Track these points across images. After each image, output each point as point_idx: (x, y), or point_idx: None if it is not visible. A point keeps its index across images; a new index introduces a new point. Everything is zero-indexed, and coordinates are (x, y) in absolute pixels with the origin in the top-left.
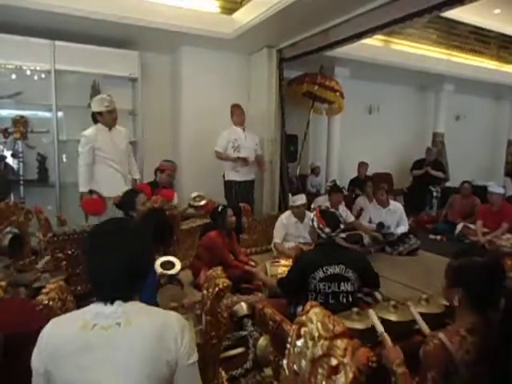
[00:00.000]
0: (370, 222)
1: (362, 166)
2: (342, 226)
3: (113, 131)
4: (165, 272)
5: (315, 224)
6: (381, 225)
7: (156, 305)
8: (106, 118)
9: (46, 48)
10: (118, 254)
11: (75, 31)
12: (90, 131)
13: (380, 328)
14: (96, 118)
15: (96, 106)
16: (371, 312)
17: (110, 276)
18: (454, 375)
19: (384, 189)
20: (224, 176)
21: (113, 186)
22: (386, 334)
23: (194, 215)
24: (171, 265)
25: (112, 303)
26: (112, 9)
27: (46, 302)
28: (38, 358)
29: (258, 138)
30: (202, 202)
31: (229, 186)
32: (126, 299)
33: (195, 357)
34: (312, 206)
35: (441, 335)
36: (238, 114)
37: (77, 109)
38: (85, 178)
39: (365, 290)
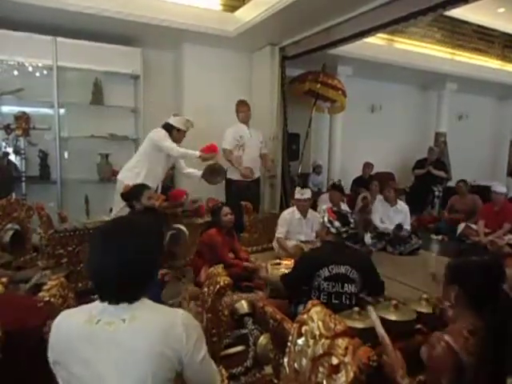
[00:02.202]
0: (381, 220)
1: (367, 166)
2: (351, 226)
3: None
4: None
5: (325, 219)
6: (399, 226)
7: (160, 302)
8: (180, 137)
9: (48, 44)
10: (122, 255)
11: (77, 28)
12: (167, 134)
13: (380, 330)
14: (169, 129)
15: (180, 124)
16: (371, 310)
17: (116, 278)
18: (460, 376)
19: (392, 186)
20: (226, 174)
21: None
22: (387, 338)
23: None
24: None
25: (117, 304)
26: (114, 5)
27: (47, 298)
28: (49, 350)
29: (262, 135)
30: (196, 205)
31: (230, 184)
32: (130, 302)
33: (204, 351)
34: (318, 203)
35: (446, 337)
36: (244, 110)
37: (79, 106)
38: (184, 150)
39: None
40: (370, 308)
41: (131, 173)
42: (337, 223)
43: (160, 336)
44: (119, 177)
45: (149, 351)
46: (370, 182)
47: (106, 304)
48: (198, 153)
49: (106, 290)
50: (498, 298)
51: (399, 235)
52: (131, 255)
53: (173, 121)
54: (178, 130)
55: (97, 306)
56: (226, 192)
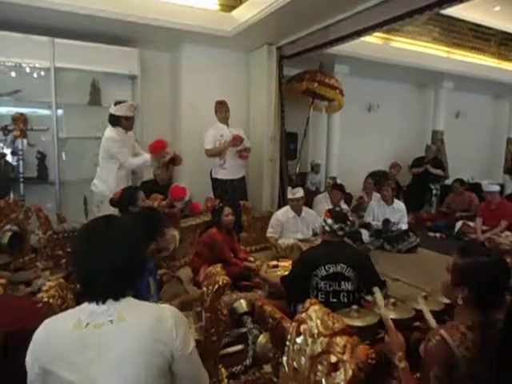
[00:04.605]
0: (374, 219)
1: (395, 166)
2: (348, 223)
3: (128, 133)
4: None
5: (322, 218)
6: (387, 221)
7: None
8: (130, 123)
9: (45, 45)
10: (108, 254)
11: (75, 28)
12: (116, 135)
13: (384, 312)
14: (117, 120)
15: (124, 111)
16: (376, 290)
17: (101, 276)
18: (455, 372)
19: (390, 185)
20: (211, 173)
21: (123, 184)
22: (389, 320)
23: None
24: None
25: (104, 303)
26: (112, 6)
27: (46, 299)
28: (33, 358)
29: (243, 130)
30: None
31: (216, 184)
32: (117, 298)
33: (192, 345)
34: (313, 204)
35: (442, 331)
36: (222, 111)
37: (76, 106)
38: (137, 161)
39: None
40: (376, 288)
41: (99, 182)
42: (330, 221)
43: (149, 333)
44: (94, 188)
45: (139, 349)
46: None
47: (92, 306)
48: (148, 156)
49: (93, 289)
50: (504, 297)
51: (388, 230)
52: (114, 252)
53: (116, 110)
54: (126, 117)
55: (84, 310)
56: (214, 192)
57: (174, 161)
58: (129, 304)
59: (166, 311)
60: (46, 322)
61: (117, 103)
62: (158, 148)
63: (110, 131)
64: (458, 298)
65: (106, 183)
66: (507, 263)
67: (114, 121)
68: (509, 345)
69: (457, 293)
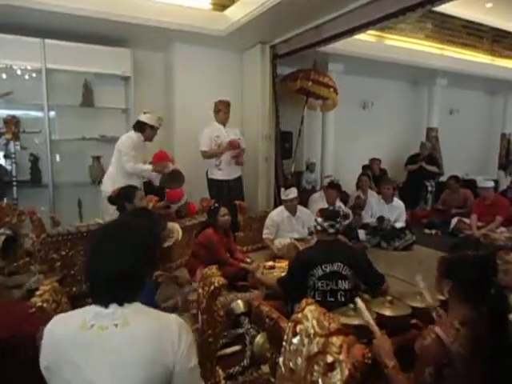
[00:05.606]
0: (372, 216)
1: (375, 162)
2: (338, 220)
3: (145, 144)
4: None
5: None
6: (381, 218)
7: (154, 306)
8: (152, 133)
9: (36, 47)
10: (114, 256)
11: (66, 29)
12: (135, 137)
13: (366, 317)
14: (143, 127)
15: (152, 120)
16: (358, 300)
17: (106, 277)
18: (448, 368)
19: (392, 184)
20: (207, 174)
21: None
22: (374, 325)
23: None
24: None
25: (107, 305)
26: (103, 6)
27: (40, 304)
28: (42, 355)
29: (239, 130)
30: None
31: (212, 184)
32: (121, 302)
33: (195, 360)
34: (309, 203)
35: (436, 329)
36: (225, 111)
37: (69, 108)
38: (137, 167)
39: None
40: (357, 299)
41: (112, 182)
42: (319, 219)
43: (153, 341)
44: (102, 188)
45: (141, 356)
46: (380, 177)
47: (99, 308)
48: (150, 166)
49: (102, 291)
50: (491, 291)
51: (382, 227)
52: (128, 256)
53: (145, 118)
54: (152, 127)
55: (90, 311)
56: (210, 192)
57: (175, 174)
58: (135, 310)
59: (172, 321)
60: (54, 320)
61: (146, 112)
62: (159, 157)
63: (131, 133)
64: (444, 291)
65: (115, 183)
66: (493, 257)
67: (140, 127)
68: (496, 341)
69: (443, 286)
